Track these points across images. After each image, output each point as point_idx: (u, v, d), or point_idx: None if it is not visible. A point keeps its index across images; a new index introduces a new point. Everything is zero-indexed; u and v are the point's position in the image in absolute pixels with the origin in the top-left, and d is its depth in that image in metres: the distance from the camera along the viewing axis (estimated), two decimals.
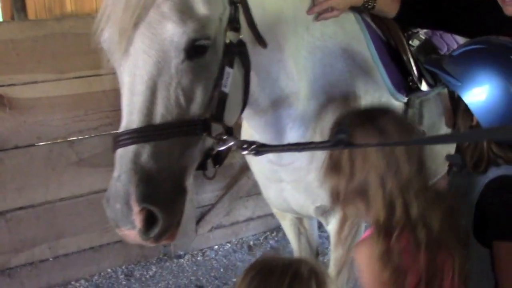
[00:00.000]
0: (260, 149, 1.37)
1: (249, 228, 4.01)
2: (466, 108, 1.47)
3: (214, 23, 1.36)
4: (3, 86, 3.00)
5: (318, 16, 1.92)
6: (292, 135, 1.93)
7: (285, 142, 1.94)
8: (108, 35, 1.32)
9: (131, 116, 1.28)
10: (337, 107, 1.94)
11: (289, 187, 2.07)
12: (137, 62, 1.29)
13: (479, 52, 1.47)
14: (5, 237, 3.19)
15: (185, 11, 1.28)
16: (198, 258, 3.77)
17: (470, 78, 1.44)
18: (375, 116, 1.38)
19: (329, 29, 1.97)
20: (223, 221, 3.94)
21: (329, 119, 1.93)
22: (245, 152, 1.37)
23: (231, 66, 1.42)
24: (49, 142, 3.18)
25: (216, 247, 3.90)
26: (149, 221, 1.25)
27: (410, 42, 2.20)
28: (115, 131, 1.34)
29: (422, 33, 2.24)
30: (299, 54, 1.86)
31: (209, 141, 1.41)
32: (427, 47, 2.27)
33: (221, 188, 3.82)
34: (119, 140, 1.27)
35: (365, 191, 1.31)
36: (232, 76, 1.41)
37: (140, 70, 1.28)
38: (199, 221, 3.83)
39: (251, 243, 3.97)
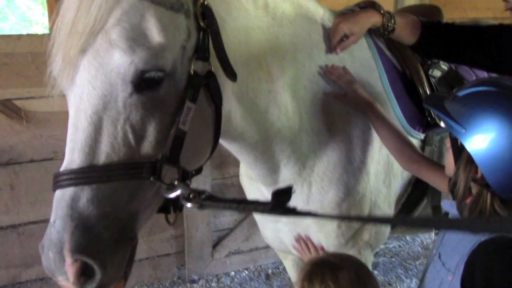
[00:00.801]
0: (204, 202, 1.18)
1: (268, 256, 3.83)
2: (470, 159, 1.25)
3: (173, 52, 1.20)
4: (21, 99, 2.99)
5: (336, 51, 1.78)
6: (286, 173, 1.75)
7: (280, 179, 1.78)
8: (55, 61, 1.18)
9: (72, 154, 1.13)
10: (339, 144, 1.75)
11: (286, 228, 1.89)
12: (82, 94, 1.14)
13: (489, 95, 1.24)
14: (16, 250, 3.17)
15: (135, 38, 1.13)
16: (213, 284, 3.63)
17: (477, 124, 1.22)
18: (335, 268, 1.38)
19: (335, 56, 1.78)
20: (241, 246, 3.78)
21: (329, 157, 1.75)
22: (189, 205, 1.19)
23: (193, 100, 1.23)
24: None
25: (233, 273, 3.74)
26: (85, 274, 1.10)
27: (430, 72, 1.98)
28: None
29: (445, 63, 2.01)
30: (299, 83, 1.69)
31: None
32: (452, 78, 2.04)
33: (240, 212, 3.66)
34: (57, 181, 1.12)
35: None
36: (194, 111, 1.24)
37: (84, 103, 1.13)
38: (215, 245, 3.70)
39: (269, 271, 3.78)
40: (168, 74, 1.19)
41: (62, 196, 1.11)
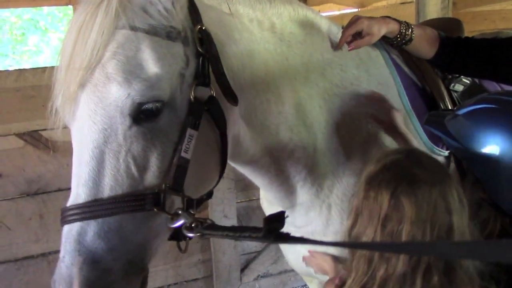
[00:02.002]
0: (204, 231, 1.16)
1: (297, 278, 3.75)
2: (476, 179, 1.19)
3: (170, 81, 1.19)
4: (47, 129, 3.06)
5: (349, 47, 1.71)
6: (304, 195, 1.71)
7: (298, 201, 1.74)
8: (57, 96, 1.20)
9: (77, 189, 1.14)
10: (358, 164, 1.70)
11: (306, 251, 1.84)
12: (83, 129, 1.15)
13: (490, 112, 1.19)
14: (47, 278, 3.17)
15: (131, 71, 1.13)
16: None
17: (478, 142, 1.17)
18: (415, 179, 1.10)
19: (350, 74, 1.75)
20: (270, 269, 3.73)
21: (348, 177, 1.71)
22: (190, 235, 1.17)
23: (195, 127, 1.23)
24: None
25: None
26: None
27: (452, 87, 1.92)
28: None
29: (467, 77, 1.94)
30: (312, 103, 1.66)
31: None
32: (475, 92, 1.97)
33: None
34: (64, 216, 1.13)
35: None
36: (197, 138, 1.23)
37: (85, 137, 1.15)
38: (244, 269, 3.66)
39: None
40: (167, 103, 1.19)
41: (69, 232, 1.12)
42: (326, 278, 1.84)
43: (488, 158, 1.14)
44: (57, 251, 3.27)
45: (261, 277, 3.71)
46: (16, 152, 3.01)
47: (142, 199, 1.15)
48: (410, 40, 1.78)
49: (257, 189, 3.59)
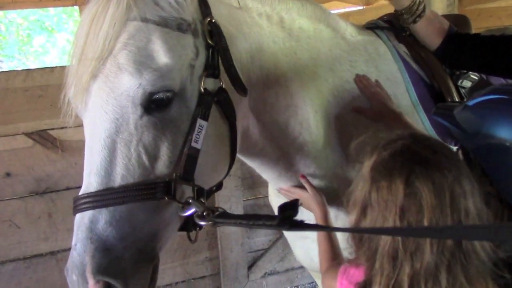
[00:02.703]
0: (216, 220, 1.17)
1: (304, 276, 3.77)
2: (483, 171, 1.18)
3: (180, 72, 1.22)
4: (56, 129, 3.09)
5: None
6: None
7: None
8: (70, 88, 1.22)
9: (89, 178, 1.16)
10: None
11: (314, 245, 1.85)
12: (95, 119, 1.17)
13: (500, 103, 1.17)
14: (56, 277, 3.24)
15: (142, 61, 1.16)
16: None
17: (488, 134, 1.14)
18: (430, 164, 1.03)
19: (360, 70, 1.76)
20: (277, 267, 3.74)
21: (356, 171, 1.71)
22: (202, 223, 1.18)
23: (205, 118, 1.25)
24: None
25: None
26: None
27: (460, 83, 1.92)
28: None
29: (475, 73, 1.94)
30: (322, 98, 1.66)
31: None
32: (483, 88, 1.97)
33: (275, 232, 3.63)
34: (76, 205, 1.15)
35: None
36: (207, 129, 1.25)
37: (97, 127, 1.16)
38: (251, 266, 3.67)
39: None
40: (177, 93, 1.21)
41: (81, 220, 1.14)
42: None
43: (497, 149, 1.13)
44: (66, 250, 3.31)
45: (268, 274, 3.72)
46: (25, 152, 3.04)
47: (153, 187, 1.17)
48: (419, 16, 1.78)
49: (263, 187, 3.61)
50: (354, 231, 1.13)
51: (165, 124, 1.20)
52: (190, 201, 1.20)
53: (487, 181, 1.18)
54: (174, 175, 1.20)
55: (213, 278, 3.64)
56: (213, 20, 1.30)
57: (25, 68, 3.34)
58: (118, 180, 1.15)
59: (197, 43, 1.28)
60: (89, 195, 1.14)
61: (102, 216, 1.13)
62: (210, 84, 1.29)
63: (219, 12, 1.39)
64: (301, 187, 1.69)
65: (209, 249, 3.58)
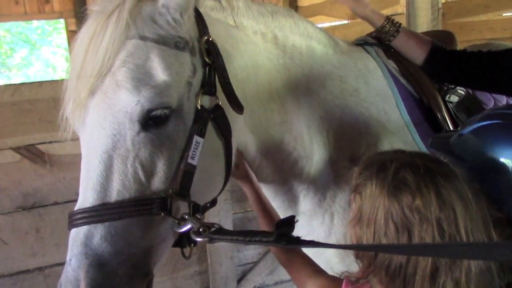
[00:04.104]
0: (212, 236, 1.18)
1: None
2: (489, 199, 1.17)
3: (178, 89, 1.24)
4: (44, 143, 3.07)
5: None
6: (306, 204, 1.75)
7: (300, 210, 1.77)
8: (67, 104, 1.24)
9: (85, 193, 1.18)
10: None
11: (311, 254, 1.87)
12: (92, 134, 1.19)
13: (497, 128, 1.19)
14: None
15: (141, 78, 1.18)
16: None
17: (489, 159, 1.15)
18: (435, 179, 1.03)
19: (349, 85, 1.80)
20: (266, 280, 3.73)
21: (350, 187, 1.74)
22: (199, 239, 1.20)
23: (201, 134, 1.27)
24: None
25: None
26: None
27: (448, 98, 1.97)
28: None
29: (462, 88, 1.99)
30: (314, 114, 1.70)
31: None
32: (470, 103, 2.02)
33: (263, 246, 3.63)
34: (72, 220, 1.17)
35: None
36: (204, 145, 1.26)
37: (94, 143, 1.18)
38: (240, 279, 3.66)
39: None
40: (174, 110, 1.23)
41: (76, 235, 1.16)
42: None
43: (501, 174, 1.13)
44: (53, 265, 3.27)
45: (258, 287, 3.71)
46: (13, 166, 3.01)
47: (149, 203, 1.18)
48: (394, 34, 1.86)
49: None
50: (355, 248, 1.13)
51: (162, 141, 1.21)
52: (186, 217, 1.22)
53: (495, 207, 1.18)
54: (170, 191, 1.21)
55: None
56: (210, 39, 1.33)
57: (9, 81, 3.33)
58: (114, 195, 1.16)
59: (195, 61, 1.30)
60: (84, 210, 1.15)
61: (98, 231, 1.14)
62: (206, 101, 1.31)
63: (217, 30, 1.42)
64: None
65: (198, 263, 3.56)
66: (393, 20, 1.87)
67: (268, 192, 1.74)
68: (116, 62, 1.18)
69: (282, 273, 3.71)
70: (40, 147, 3.06)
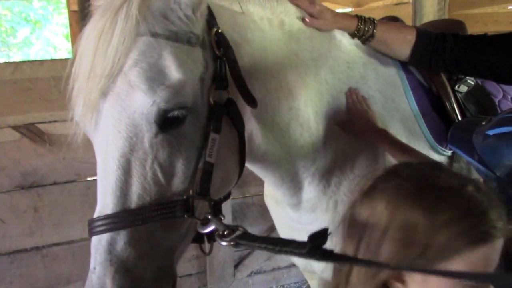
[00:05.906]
0: (239, 241, 1.12)
1: (290, 275, 3.78)
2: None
3: (192, 86, 1.19)
4: (44, 122, 3.05)
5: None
6: (311, 191, 1.73)
7: (305, 198, 1.75)
8: (76, 105, 1.17)
9: (105, 199, 1.13)
10: (366, 161, 1.73)
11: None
12: (107, 138, 1.14)
13: None
14: (40, 273, 3.19)
15: (155, 78, 1.12)
16: None
17: None
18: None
19: (357, 72, 1.77)
20: (263, 266, 3.75)
21: (355, 174, 1.72)
22: (224, 243, 1.12)
23: (217, 131, 1.23)
24: (87, 179, 3.17)
25: None
26: None
27: (457, 88, 1.93)
28: None
29: (471, 78, 1.96)
30: (322, 99, 1.67)
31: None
32: (478, 94, 2.00)
33: (262, 231, 3.63)
34: (92, 227, 1.12)
35: None
36: (219, 142, 1.23)
37: (111, 147, 1.13)
38: (237, 265, 3.67)
39: None
40: (190, 109, 1.18)
41: (99, 242, 1.11)
42: (328, 274, 1.84)
43: None
44: (51, 245, 3.25)
45: (255, 273, 3.72)
46: (12, 145, 2.99)
47: (172, 206, 1.15)
48: (372, 36, 1.74)
49: (251, 185, 3.61)
50: (398, 268, 1.05)
51: (180, 141, 1.18)
52: (209, 217, 1.18)
53: None
54: (191, 191, 1.18)
55: (199, 276, 3.63)
56: (220, 30, 1.29)
57: (8, 59, 3.29)
58: (134, 199, 1.12)
59: (206, 55, 1.26)
60: (106, 217, 1.11)
61: (121, 237, 1.11)
62: (218, 96, 1.28)
63: (224, 19, 1.37)
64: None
65: (196, 248, 3.56)
66: (364, 18, 1.74)
67: (273, 179, 1.72)
68: (128, 62, 1.12)
69: (280, 260, 3.72)
70: (40, 126, 3.03)
